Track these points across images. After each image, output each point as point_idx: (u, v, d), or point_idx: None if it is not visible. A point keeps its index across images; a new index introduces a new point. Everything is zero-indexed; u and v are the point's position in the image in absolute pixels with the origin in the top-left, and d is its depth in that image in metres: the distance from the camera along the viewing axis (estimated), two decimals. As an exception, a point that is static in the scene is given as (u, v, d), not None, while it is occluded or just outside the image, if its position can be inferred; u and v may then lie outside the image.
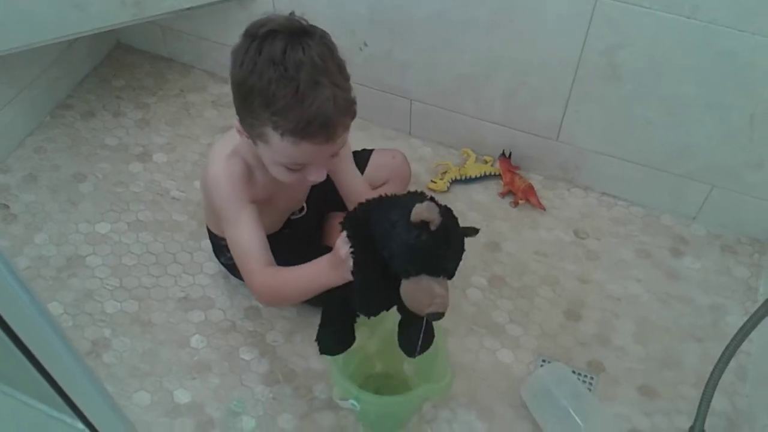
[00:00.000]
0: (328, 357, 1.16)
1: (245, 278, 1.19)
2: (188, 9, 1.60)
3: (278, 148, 1.04)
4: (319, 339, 1.15)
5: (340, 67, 1.05)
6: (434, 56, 1.56)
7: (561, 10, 1.36)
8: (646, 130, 1.48)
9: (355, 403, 1.14)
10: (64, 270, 1.51)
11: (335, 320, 1.14)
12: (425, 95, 1.66)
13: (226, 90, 1.85)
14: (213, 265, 1.52)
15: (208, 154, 1.21)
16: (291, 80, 0.99)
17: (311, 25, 1.05)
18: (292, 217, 1.42)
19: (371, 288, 1.03)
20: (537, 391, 1.30)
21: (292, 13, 1.06)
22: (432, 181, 1.66)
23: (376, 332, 1.28)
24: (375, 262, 0.99)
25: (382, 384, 1.33)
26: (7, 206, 1.60)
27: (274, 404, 1.33)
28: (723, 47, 1.29)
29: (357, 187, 1.32)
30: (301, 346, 1.40)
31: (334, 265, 1.05)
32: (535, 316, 1.45)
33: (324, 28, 1.62)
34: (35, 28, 1.46)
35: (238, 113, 1.08)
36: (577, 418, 1.24)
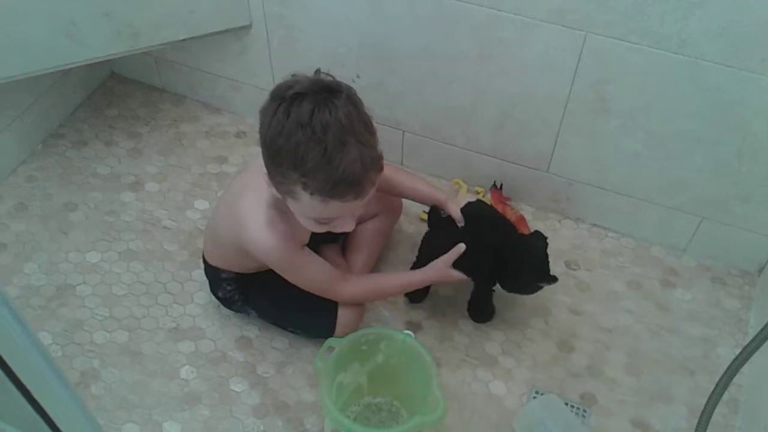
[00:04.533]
0: (321, 390, 1.16)
1: (338, 299, 1.30)
2: (183, 40, 1.62)
3: (307, 206, 1.07)
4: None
5: (367, 123, 1.07)
6: (424, 88, 1.58)
7: (549, 45, 1.38)
8: (635, 162, 1.50)
9: None
10: (54, 300, 1.50)
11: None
12: (416, 126, 1.68)
13: (219, 120, 1.87)
14: (204, 295, 1.51)
15: (243, 220, 1.20)
16: (319, 142, 1.00)
17: (337, 82, 1.06)
18: None
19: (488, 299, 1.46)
20: (530, 424, 1.29)
21: (317, 71, 1.07)
22: (424, 212, 1.66)
23: (365, 367, 1.28)
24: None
25: (373, 416, 1.32)
26: (-4, 235, 1.60)
27: (265, 437, 1.32)
28: (710, 82, 1.31)
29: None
30: (292, 377, 1.39)
31: (440, 277, 1.32)
32: (528, 347, 1.45)
33: (316, 61, 1.64)
34: (30, 57, 1.47)
35: (267, 169, 1.10)
36: (570, 450, 1.24)
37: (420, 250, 1.46)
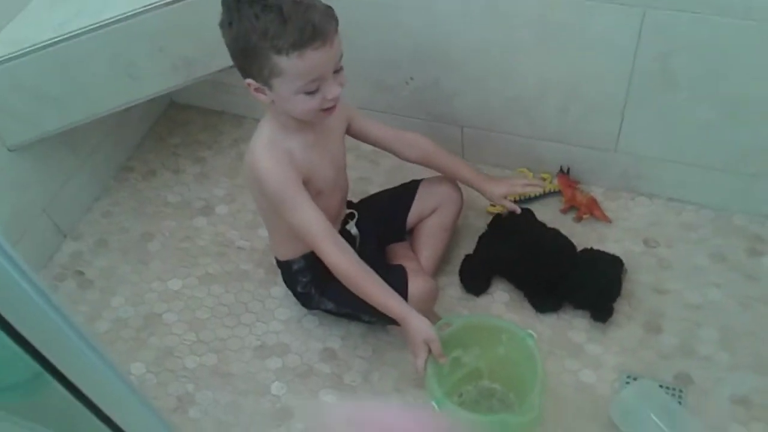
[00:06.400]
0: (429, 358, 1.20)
1: (322, 255, 1.25)
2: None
3: (290, 70, 1.13)
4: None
5: None
6: (482, 83, 1.57)
7: (608, 24, 1.35)
8: (708, 133, 1.45)
9: (435, 405, 1.15)
10: (143, 330, 1.54)
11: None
12: (476, 120, 1.66)
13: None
14: (285, 311, 1.53)
15: (247, 156, 1.31)
16: (273, 7, 1.10)
17: None
18: (352, 232, 1.45)
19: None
20: (626, 410, 1.27)
21: None
22: (491, 204, 1.64)
23: (486, 353, 1.29)
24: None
25: (484, 401, 1.32)
26: (82, 273, 1.65)
27: (360, 445, 1.33)
28: (782, 42, 1.26)
29: (380, 132, 1.46)
30: (379, 384, 1.40)
31: (405, 327, 1.22)
32: (613, 332, 1.42)
33: (370, 66, 1.69)
34: (94, 101, 1.51)
35: (248, 73, 1.18)
36: (670, 434, 1.21)
37: (476, 248, 1.55)
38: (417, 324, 1.21)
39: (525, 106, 1.57)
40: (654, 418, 1.23)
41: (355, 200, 1.57)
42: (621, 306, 1.44)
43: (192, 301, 1.58)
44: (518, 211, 1.49)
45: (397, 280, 1.35)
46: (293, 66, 1.13)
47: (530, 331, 1.23)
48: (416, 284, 1.35)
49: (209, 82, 1.88)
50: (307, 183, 1.28)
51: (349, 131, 1.44)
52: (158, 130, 1.96)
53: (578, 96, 1.50)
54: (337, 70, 1.19)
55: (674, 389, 1.32)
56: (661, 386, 1.31)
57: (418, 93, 1.66)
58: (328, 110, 1.22)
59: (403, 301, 1.25)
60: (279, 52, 1.12)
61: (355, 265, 1.25)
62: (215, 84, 1.89)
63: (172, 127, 1.96)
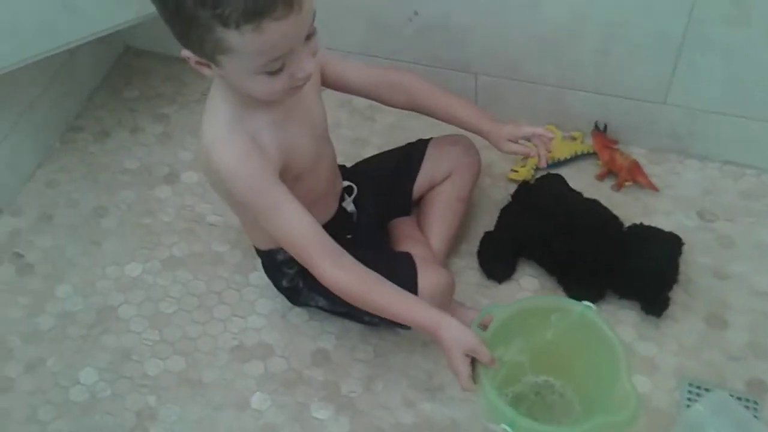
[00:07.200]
0: (479, 369, 0.94)
1: (314, 272, 0.99)
2: (200, -2, 1.34)
3: (245, 49, 0.83)
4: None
5: None
6: (502, 17, 1.30)
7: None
8: (784, 78, 1.19)
9: (508, 428, 0.89)
10: (95, 326, 1.28)
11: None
12: (493, 66, 1.40)
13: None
14: (267, 303, 1.27)
15: (201, 148, 0.99)
16: None
17: None
18: (348, 209, 1.21)
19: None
20: (691, 427, 1.02)
21: None
22: (512, 170, 1.39)
23: (530, 343, 1.03)
24: None
25: (536, 399, 1.06)
26: (21, 255, 1.38)
27: (362, 471, 1.09)
28: None
29: (359, 76, 1.17)
30: (384, 394, 1.16)
31: (438, 341, 0.95)
32: (669, 327, 1.17)
33: None
34: (22, 41, 1.22)
35: (187, 44, 0.87)
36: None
37: (498, 223, 1.29)
38: (451, 335, 0.94)
39: (553, 48, 1.31)
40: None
41: (349, 164, 1.30)
42: (676, 295, 1.19)
43: (154, 290, 1.31)
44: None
45: (404, 274, 1.09)
46: (247, 43, 0.83)
47: (587, 303, 0.97)
48: (428, 279, 1.09)
49: (169, 22, 1.58)
50: (284, 170, 1.00)
51: (324, 81, 1.13)
52: (112, 81, 1.66)
53: (622, 33, 1.25)
54: (309, 36, 0.89)
55: (748, 400, 1.08)
56: (731, 395, 1.07)
57: (425, 33, 1.38)
58: (299, 87, 0.92)
59: (430, 308, 0.97)
60: (226, 24, 0.81)
61: (358, 276, 0.97)
62: (177, 25, 1.59)
63: (129, 78, 1.66)
